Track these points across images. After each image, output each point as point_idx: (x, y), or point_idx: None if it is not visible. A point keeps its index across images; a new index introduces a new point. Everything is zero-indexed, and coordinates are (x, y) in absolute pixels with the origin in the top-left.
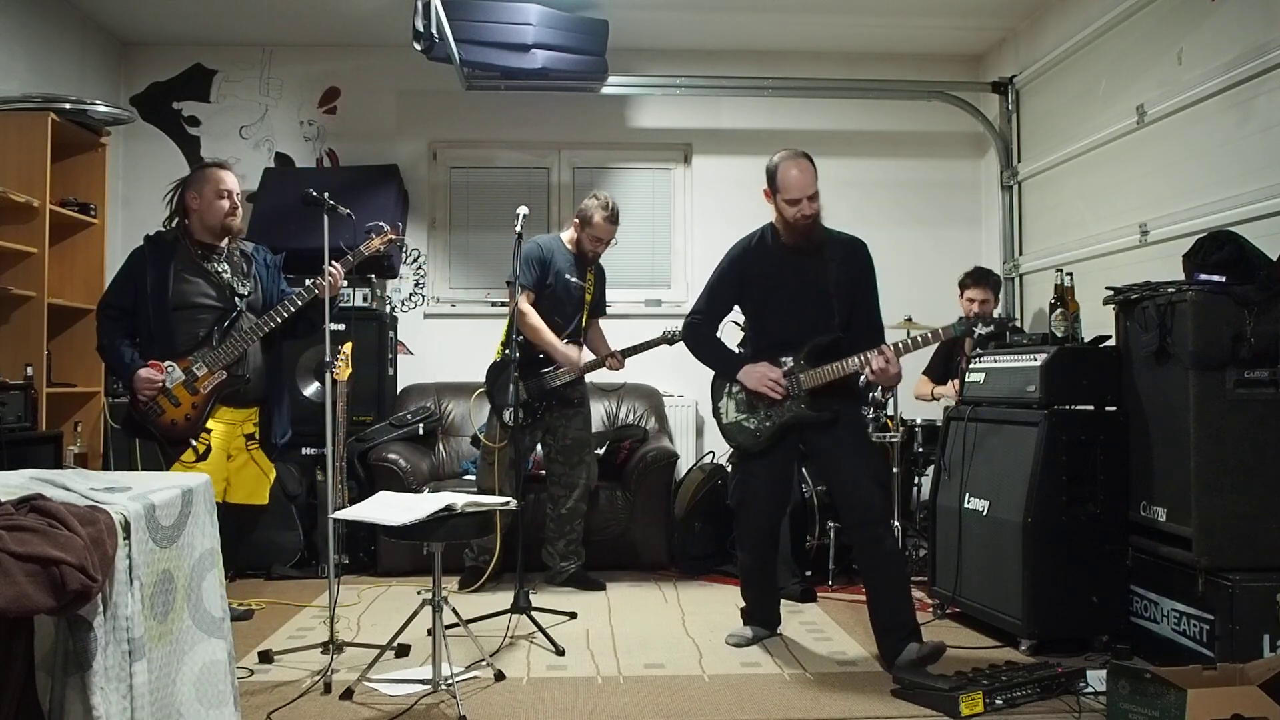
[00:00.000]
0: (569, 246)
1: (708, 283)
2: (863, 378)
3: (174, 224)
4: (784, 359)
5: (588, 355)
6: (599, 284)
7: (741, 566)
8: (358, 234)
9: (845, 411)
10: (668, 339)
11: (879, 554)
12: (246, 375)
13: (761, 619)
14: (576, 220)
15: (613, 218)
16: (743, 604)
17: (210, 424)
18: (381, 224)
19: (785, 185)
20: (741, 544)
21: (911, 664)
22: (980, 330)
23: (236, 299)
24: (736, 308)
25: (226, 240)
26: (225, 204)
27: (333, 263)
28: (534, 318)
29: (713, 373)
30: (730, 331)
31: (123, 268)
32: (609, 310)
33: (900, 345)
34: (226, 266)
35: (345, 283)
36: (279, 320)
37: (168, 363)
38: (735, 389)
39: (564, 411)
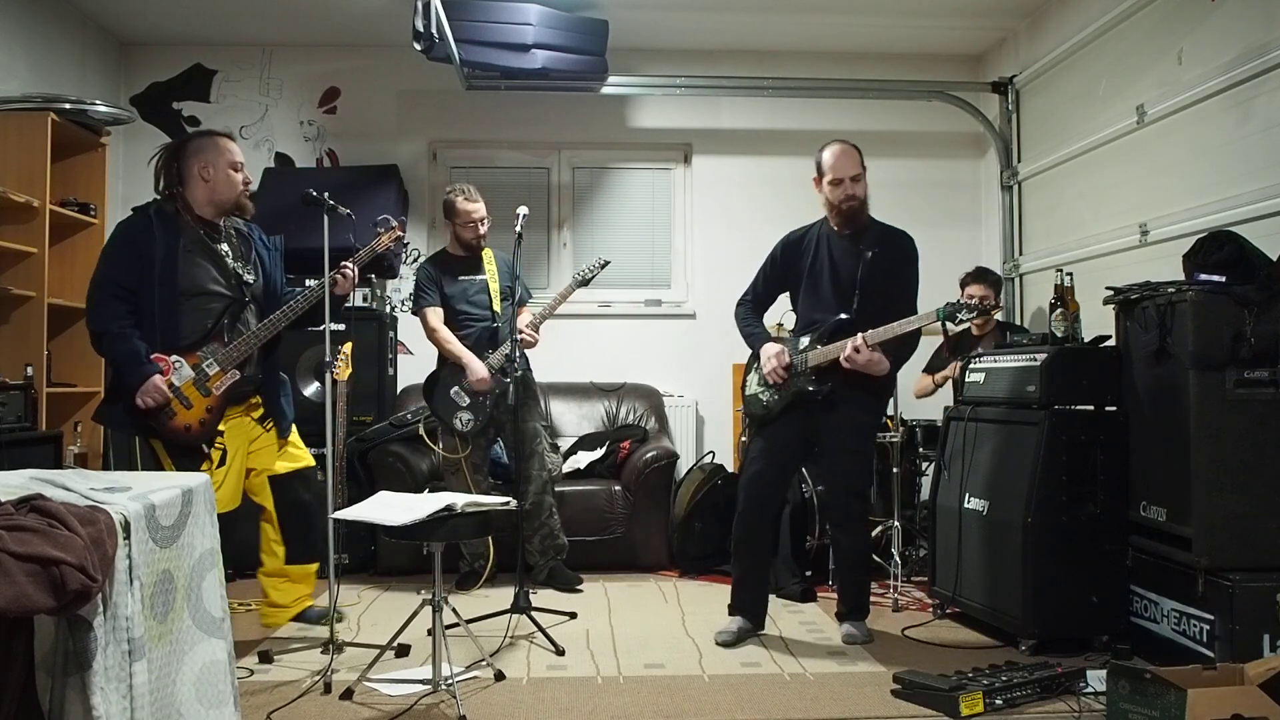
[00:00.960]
0: (454, 250)
1: (759, 267)
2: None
3: (165, 195)
4: (803, 338)
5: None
6: (504, 273)
7: (734, 540)
8: (360, 232)
9: (853, 411)
10: (579, 281)
11: (837, 552)
12: (258, 374)
13: (747, 609)
14: (445, 219)
15: (472, 197)
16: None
17: (219, 426)
18: (389, 218)
19: (828, 167)
20: (737, 513)
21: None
22: (964, 317)
23: (244, 288)
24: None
25: (223, 219)
26: (240, 177)
27: (347, 262)
28: (443, 332)
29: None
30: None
31: (121, 241)
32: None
33: (873, 334)
34: (228, 248)
35: (356, 278)
36: (292, 318)
37: (174, 358)
38: (760, 364)
39: (509, 406)
